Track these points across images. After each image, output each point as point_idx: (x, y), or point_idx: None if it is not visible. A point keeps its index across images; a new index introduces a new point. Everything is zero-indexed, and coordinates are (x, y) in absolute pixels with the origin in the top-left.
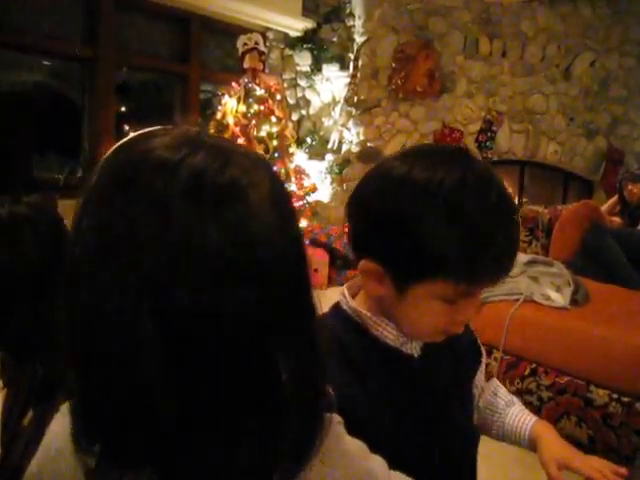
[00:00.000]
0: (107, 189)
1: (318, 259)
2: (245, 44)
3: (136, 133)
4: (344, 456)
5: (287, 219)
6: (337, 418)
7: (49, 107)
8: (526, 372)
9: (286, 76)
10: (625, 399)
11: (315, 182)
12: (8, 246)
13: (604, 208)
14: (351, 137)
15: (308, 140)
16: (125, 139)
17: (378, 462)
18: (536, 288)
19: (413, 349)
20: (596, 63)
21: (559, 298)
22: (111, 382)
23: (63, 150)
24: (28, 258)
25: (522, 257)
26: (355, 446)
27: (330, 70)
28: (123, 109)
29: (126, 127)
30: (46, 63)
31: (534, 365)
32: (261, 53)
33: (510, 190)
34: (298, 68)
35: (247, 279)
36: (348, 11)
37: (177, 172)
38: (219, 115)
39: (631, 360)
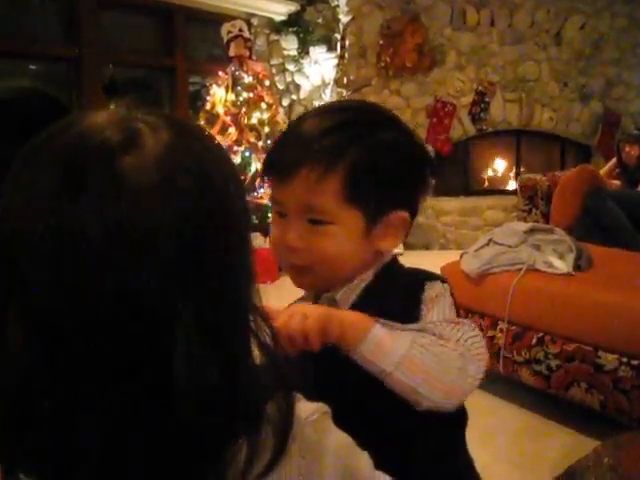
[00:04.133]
0: None
1: None
2: (229, 32)
3: None
4: (327, 451)
5: (188, 188)
6: (323, 408)
7: (38, 111)
8: (533, 342)
9: (274, 61)
10: (635, 362)
11: None
12: None
13: (603, 171)
14: None
15: None
16: None
17: (364, 460)
18: (538, 256)
19: None
20: (587, 25)
21: (562, 265)
22: None
23: None
24: None
25: (522, 226)
26: (341, 441)
27: (317, 52)
28: (112, 107)
29: None
30: (32, 67)
31: (540, 334)
32: (246, 40)
33: (506, 161)
34: (285, 52)
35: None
36: None
37: (61, 136)
38: (208, 106)
39: (638, 323)
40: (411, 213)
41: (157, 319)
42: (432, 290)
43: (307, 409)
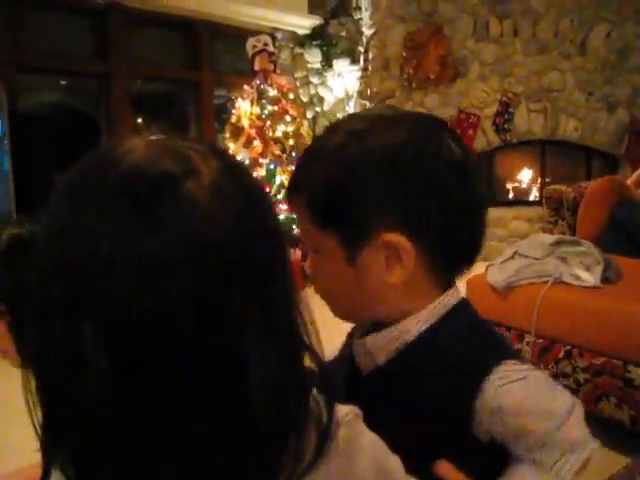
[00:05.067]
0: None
1: None
2: (254, 46)
3: None
4: (361, 450)
5: (240, 206)
6: (356, 410)
7: (69, 126)
8: (560, 355)
9: (298, 74)
10: None
11: None
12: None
13: (631, 181)
14: None
15: None
16: None
17: (397, 462)
18: (565, 269)
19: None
20: (612, 34)
21: (589, 277)
22: (63, 407)
23: None
24: None
25: (548, 238)
26: (375, 441)
27: (341, 65)
28: (140, 121)
29: None
30: (63, 82)
31: (568, 347)
32: (271, 54)
33: (531, 172)
34: (309, 66)
35: (189, 281)
36: (354, 4)
37: (115, 168)
38: (234, 119)
39: None
40: (413, 233)
41: (234, 329)
42: (510, 393)
43: (341, 409)
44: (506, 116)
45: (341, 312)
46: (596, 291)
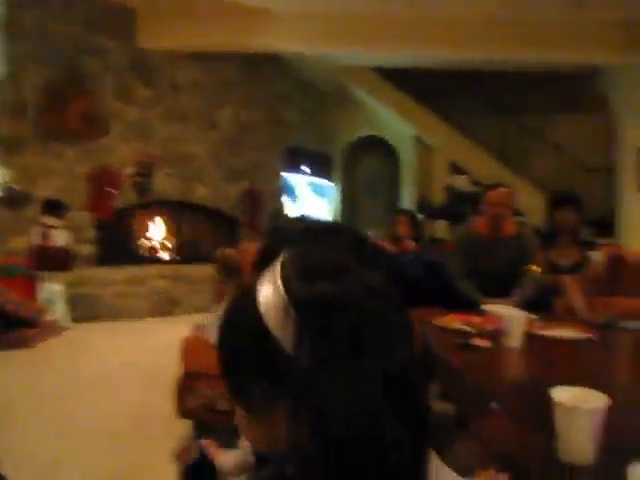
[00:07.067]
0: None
1: None
2: None
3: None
4: None
5: None
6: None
7: None
8: None
9: None
10: None
11: None
12: None
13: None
14: None
15: None
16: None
17: None
18: None
19: None
20: (236, 115)
21: None
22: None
23: None
24: None
25: None
26: None
27: None
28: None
29: None
30: None
31: None
32: None
33: (167, 230)
34: None
35: None
36: None
37: (388, 297)
38: None
39: None
40: None
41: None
42: None
43: None
44: (145, 176)
45: None
46: None
